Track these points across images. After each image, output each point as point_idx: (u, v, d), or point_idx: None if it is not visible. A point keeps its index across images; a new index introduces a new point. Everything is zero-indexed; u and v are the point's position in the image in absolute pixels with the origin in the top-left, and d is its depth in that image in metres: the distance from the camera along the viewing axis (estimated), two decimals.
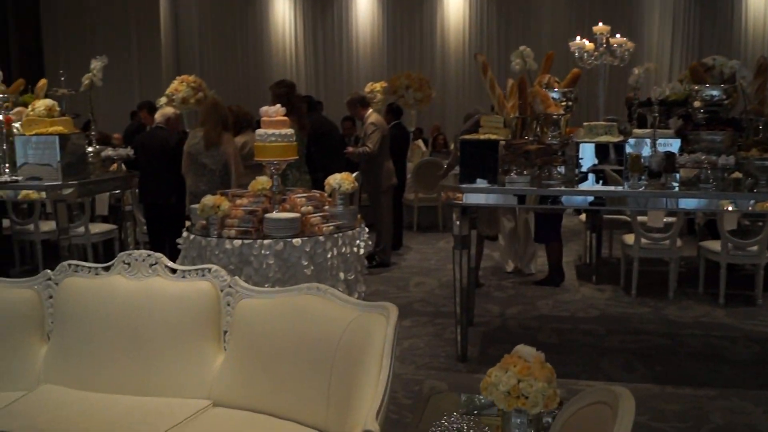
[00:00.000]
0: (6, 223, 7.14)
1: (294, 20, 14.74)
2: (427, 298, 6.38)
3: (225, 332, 3.29)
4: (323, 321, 3.00)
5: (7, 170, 5.24)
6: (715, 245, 6.36)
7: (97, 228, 7.36)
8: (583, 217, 7.46)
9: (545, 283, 6.75)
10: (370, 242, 5.31)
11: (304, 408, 2.92)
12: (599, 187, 4.47)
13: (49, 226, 6.77)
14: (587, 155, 4.46)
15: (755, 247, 6.14)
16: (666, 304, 6.25)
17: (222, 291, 3.33)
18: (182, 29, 14.71)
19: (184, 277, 3.40)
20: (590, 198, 4.49)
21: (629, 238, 6.57)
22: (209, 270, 3.40)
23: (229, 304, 3.31)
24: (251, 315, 3.22)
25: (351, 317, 2.95)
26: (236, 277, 3.40)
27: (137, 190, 7.09)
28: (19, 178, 5.16)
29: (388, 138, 7.74)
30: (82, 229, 7.01)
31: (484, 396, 2.43)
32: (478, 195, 4.55)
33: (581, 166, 4.49)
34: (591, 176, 4.48)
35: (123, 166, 6.87)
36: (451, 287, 5.39)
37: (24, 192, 5.27)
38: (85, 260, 6.72)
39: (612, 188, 4.45)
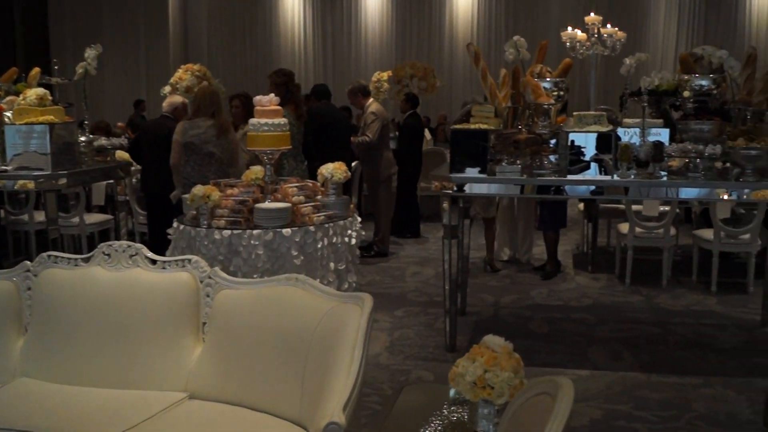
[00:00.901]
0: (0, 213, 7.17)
1: (303, 10, 14.72)
2: (422, 288, 6.38)
3: (204, 324, 3.29)
4: (300, 311, 3.00)
5: None
6: (708, 234, 6.35)
7: (93, 218, 7.38)
8: (581, 206, 7.44)
9: (542, 274, 6.73)
10: (363, 232, 5.32)
11: (280, 400, 2.92)
12: (590, 176, 4.45)
13: (43, 216, 6.78)
14: (589, 144, 4.43)
15: (747, 236, 6.12)
16: (659, 292, 6.24)
17: (202, 282, 3.33)
18: (191, 18, 14.72)
19: (164, 268, 3.39)
20: (591, 187, 4.47)
21: (624, 227, 6.56)
22: (189, 261, 3.41)
23: (208, 295, 3.31)
24: (230, 306, 3.22)
25: (327, 308, 2.95)
26: (216, 268, 3.40)
27: (136, 180, 7.13)
28: (9, 167, 5.18)
29: (389, 127, 7.75)
30: (77, 219, 7.04)
31: (452, 386, 2.43)
32: (472, 185, 4.54)
33: (584, 155, 4.45)
34: (594, 165, 4.45)
35: (126, 155, 6.91)
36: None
37: (21, 182, 5.28)
38: (80, 251, 6.80)
39: (605, 178, 4.42)
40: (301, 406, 2.82)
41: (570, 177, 4.44)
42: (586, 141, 4.44)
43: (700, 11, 13.48)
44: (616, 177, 4.39)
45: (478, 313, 5.70)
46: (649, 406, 4.06)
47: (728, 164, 4.50)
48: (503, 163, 4.49)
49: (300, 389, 2.85)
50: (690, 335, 5.23)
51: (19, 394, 3.11)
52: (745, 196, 4.35)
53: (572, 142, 4.43)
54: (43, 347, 3.31)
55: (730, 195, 4.38)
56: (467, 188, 4.54)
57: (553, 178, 4.48)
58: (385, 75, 10.45)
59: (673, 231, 6.62)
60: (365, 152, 7.53)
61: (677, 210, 7.04)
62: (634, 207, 6.55)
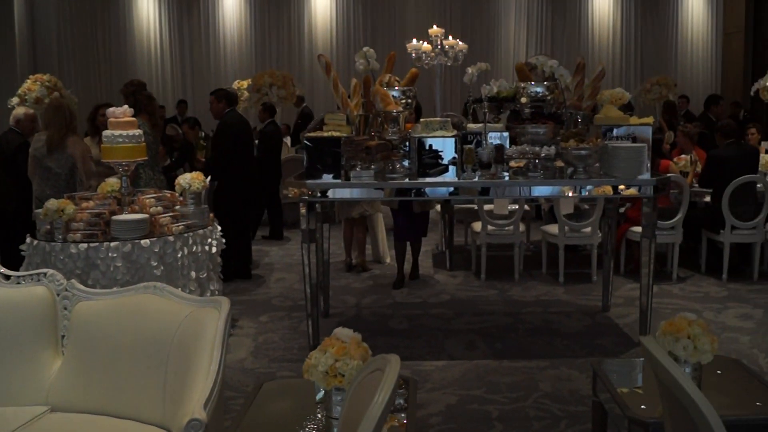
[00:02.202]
0: None
1: (159, 18, 14.40)
2: (286, 293, 6.50)
3: (63, 336, 3.30)
4: (160, 318, 3.08)
5: None
6: (553, 229, 6.85)
7: None
8: (438, 207, 7.82)
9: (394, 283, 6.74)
10: (224, 240, 5.39)
11: (143, 405, 2.99)
12: (446, 178, 4.69)
13: None
14: (447, 149, 4.68)
15: (588, 229, 6.67)
16: (512, 285, 6.67)
17: (59, 295, 3.34)
18: (38, 27, 14.05)
19: (18, 283, 3.38)
20: (450, 189, 4.73)
21: (477, 226, 6.96)
22: (44, 274, 3.40)
23: (66, 308, 3.32)
24: (89, 317, 3.24)
25: (186, 312, 3.04)
26: (73, 280, 3.41)
27: None
28: None
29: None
30: None
31: (306, 377, 2.59)
32: (335, 190, 4.70)
33: (443, 159, 4.69)
34: (452, 168, 4.71)
35: None
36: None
37: None
38: None
39: (455, 179, 4.70)
40: (164, 408, 2.90)
41: (426, 180, 4.68)
42: (444, 145, 4.71)
43: (547, 19, 14.38)
44: (461, 179, 4.70)
45: (340, 314, 5.90)
46: (500, 389, 4.39)
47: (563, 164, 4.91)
48: (357, 169, 4.70)
49: (162, 393, 2.92)
50: (539, 323, 5.65)
51: None
52: (587, 192, 4.77)
53: (430, 146, 4.68)
54: None
55: (575, 192, 4.78)
56: (330, 193, 4.71)
57: (407, 181, 4.73)
58: (245, 83, 10.54)
59: (522, 228, 7.08)
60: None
61: (526, 207, 7.56)
62: (486, 207, 6.98)
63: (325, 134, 4.69)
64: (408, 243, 6.76)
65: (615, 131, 4.91)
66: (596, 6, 14.38)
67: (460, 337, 5.32)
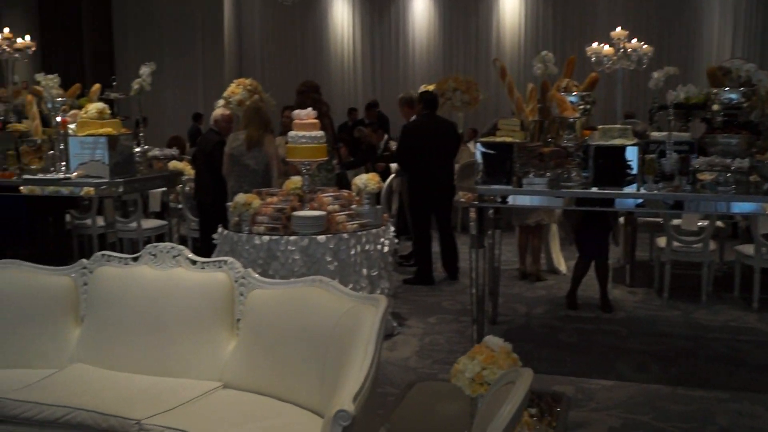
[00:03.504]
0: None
1: (352, 24, 15.04)
2: (457, 297, 6.52)
3: (238, 320, 3.55)
4: (322, 310, 3.23)
5: (63, 168, 5.65)
6: (749, 249, 6.32)
7: (149, 224, 7.77)
8: (622, 219, 7.50)
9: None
10: (396, 241, 5.52)
11: (302, 391, 3.15)
12: (631, 189, 4.47)
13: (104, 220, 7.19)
14: (627, 157, 4.46)
15: None
16: (698, 307, 6.23)
17: (236, 281, 3.60)
18: (245, 34, 15.20)
19: (203, 268, 3.67)
20: (637, 201, 4.54)
21: (661, 241, 6.58)
22: (225, 262, 3.67)
23: (242, 294, 3.57)
24: (261, 304, 3.47)
25: (346, 307, 3.17)
26: (249, 269, 3.65)
27: (189, 188, 7.51)
28: (73, 175, 5.56)
29: None
30: (134, 224, 7.44)
31: (453, 383, 2.61)
32: (523, 197, 4.66)
33: (632, 168, 4.49)
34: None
35: (179, 165, 7.31)
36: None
37: (85, 189, 5.66)
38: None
39: (639, 191, 4.46)
40: (320, 396, 3.04)
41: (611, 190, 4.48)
42: (624, 154, 4.51)
43: (757, 19, 13.21)
44: (642, 190, 4.48)
45: (509, 322, 5.83)
46: (670, 418, 4.11)
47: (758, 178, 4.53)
48: (530, 176, 4.63)
49: (320, 381, 3.06)
50: (723, 350, 5.24)
51: (74, 377, 3.44)
52: None
53: (608, 154, 4.49)
54: (96, 336, 3.65)
55: None
56: (510, 200, 4.69)
57: (587, 190, 4.57)
58: (430, 88, 10.67)
59: (713, 245, 6.59)
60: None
61: (719, 224, 7.01)
62: (675, 221, 6.56)
63: (498, 139, 4.67)
64: (593, 263, 6.12)
65: None
66: None
67: (632, 358, 5.07)
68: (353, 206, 5.36)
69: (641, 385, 4.57)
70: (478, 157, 4.72)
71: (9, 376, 3.42)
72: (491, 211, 5.28)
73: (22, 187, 5.67)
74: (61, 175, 5.63)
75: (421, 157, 6.91)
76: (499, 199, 4.71)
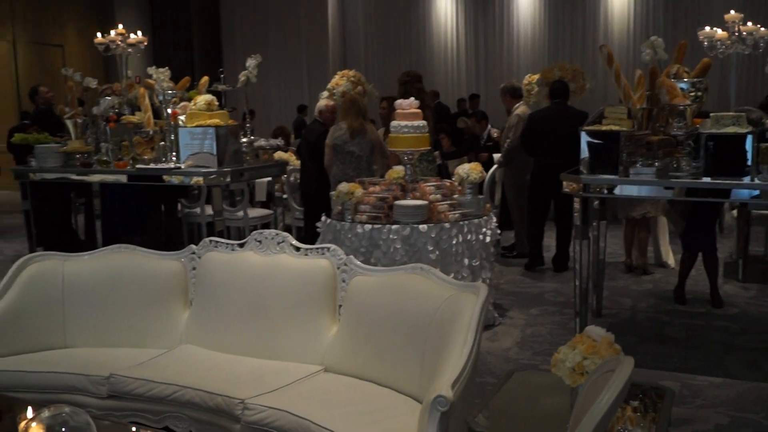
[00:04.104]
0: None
1: (456, 15, 14.98)
2: (561, 289, 6.41)
3: (340, 306, 3.63)
4: (422, 298, 3.25)
5: (174, 158, 5.92)
6: None
7: (255, 212, 8.00)
8: (735, 212, 7.16)
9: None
10: (498, 231, 5.49)
11: (402, 377, 3.19)
12: (746, 180, 4.28)
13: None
14: (741, 146, 4.28)
15: None
16: None
17: (338, 268, 3.67)
18: (349, 26, 15.40)
19: (306, 254, 3.76)
20: (754, 192, 4.34)
21: None
22: (328, 249, 3.75)
23: (344, 280, 3.64)
24: (362, 291, 3.53)
25: (447, 295, 3.18)
26: (351, 256, 3.71)
27: (294, 178, 7.71)
28: (183, 165, 5.82)
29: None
30: (241, 213, 7.68)
31: (553, 372, 2.58)
32: (630, 187, 4.55)
33: (746, 158, 4.28)
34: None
35: (285, 155, 7.54)
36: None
37: (195, 178, 5.91)
38: None
39: (757, 182, 4.26)
40: (419, 382, 3.06)
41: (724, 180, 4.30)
42: (737, 143, 4.31)
43: None
44: (757, 180, 4.28)
45: (613, 315, 5.69)
46: None
47: None
48: (637, 165, 4.50)
49: (419, 367, 3.09)
50: None
51: (183, 357, 3.61)
52: None
53: (721, 143, 4.30)
54: (203, 319, 3.80)
55: None
56: (617, 191, 4.59)
57: (698, 180, 4.40)
58: (534, 77, 10.51)
59: None
60: (506, 154, 7.63)
61: None
62: None
63: (604, 128, 4.55)
64: (701, 256, 5.88)
65: None
66: None
67: (743, 355, 4.85)
68: (455, 196, 5.36)
69: (752, 384, 4.37)
70: (584, 147, 4.62)
71: (123, 355, 3.62)
72: (596, 202, 5.17)
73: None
74: (171, 165, 5.91)
75: (546, 145, 6.82)
76: (605, 190, 4.61)
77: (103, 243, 7.63)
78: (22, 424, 1.48)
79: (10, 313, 3.73)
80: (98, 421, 2.19)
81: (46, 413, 1.52)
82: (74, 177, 6.55)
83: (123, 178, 6.23)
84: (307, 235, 6.70)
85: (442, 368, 2.84)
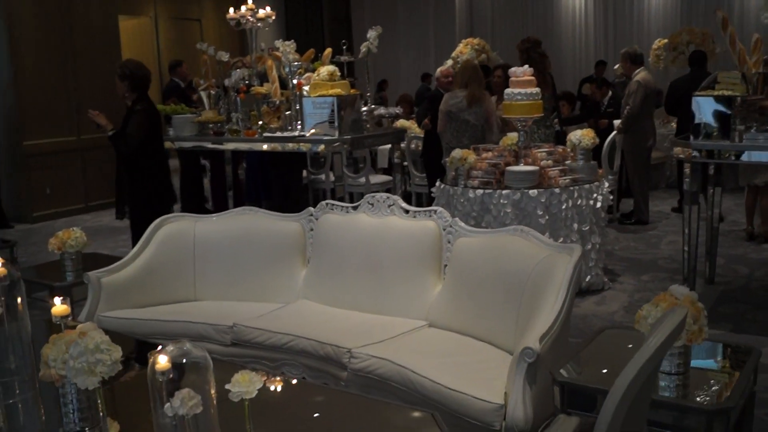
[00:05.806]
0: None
1: None
2: (674, 256, 6.34)
3: (445, 265, 3.85)
4: (520, 258, 3.42)
5: (299, 126, 6.30)
6: None
7: (377, 179, 8.34)
8: None
9: None
10: (611, 197, 5.52)
11: (499, 332, 3.38)
12: None
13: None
14: None
15: None
16: None
17: (444, 230, 3.88)
18: None
19: (414, 216, 4.00)
20: None
21: None
22: (435, 211, 3.97)
23: (449, 242, 3.86)
24: (465, 251, 3.73)
25: (543, 255, 3.34)
26: (456, 218, 3.92)
27: (415, 146, 7.96)
28: (307, 134, 6.18)
29: (652, 98, 7.67)
30: (363, 179, 8.04)
31: (636, 328, 2.71)
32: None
33: None
34: None
35: (406, 123, 7.81)
36: (703, 246, 5.42)
37: (321, 146, 6.28)
38: None
39: None
40: (514, 338, 3.25)
41: None
42: None
43: None
44: None
45: (726, 283, 5.59)
46: None
47: None
48: (752, 131, 4.43)
49: (515, 323, 3.28)
50: None
51: (299, 310, 3.95)
52: None
53: None
54: (319, 276, 4.13)
55: None
56: (729, 156, 4.55)
57: None
58: (662, 42, 10.19)
59: None
60: (626, 121, 7.54)
61: None
62: None
63: (716, 93, 4.50)
64: None
65: None
66: None
67: None
68: (567, 162, 5.44)
69: None
70: (696, 112, 4.58)
71: (247, 308, 4.00)
72: (711, 167, 5.09)
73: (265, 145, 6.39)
74: (296, 133, 6.29)
75: (684, 111, 6.77)
76: (717, 155, 4.56)
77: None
78: (152, 358, 1.80)
79: (147, 268, 4.18)
80: (221, 363, 2.52)
81: (170, 347, 1.84)
82: (208, 145, 7.06)
83: (258, 146, 6.63)
84: (429, 201, 6.94)
85: (534, 323, 3.02)
